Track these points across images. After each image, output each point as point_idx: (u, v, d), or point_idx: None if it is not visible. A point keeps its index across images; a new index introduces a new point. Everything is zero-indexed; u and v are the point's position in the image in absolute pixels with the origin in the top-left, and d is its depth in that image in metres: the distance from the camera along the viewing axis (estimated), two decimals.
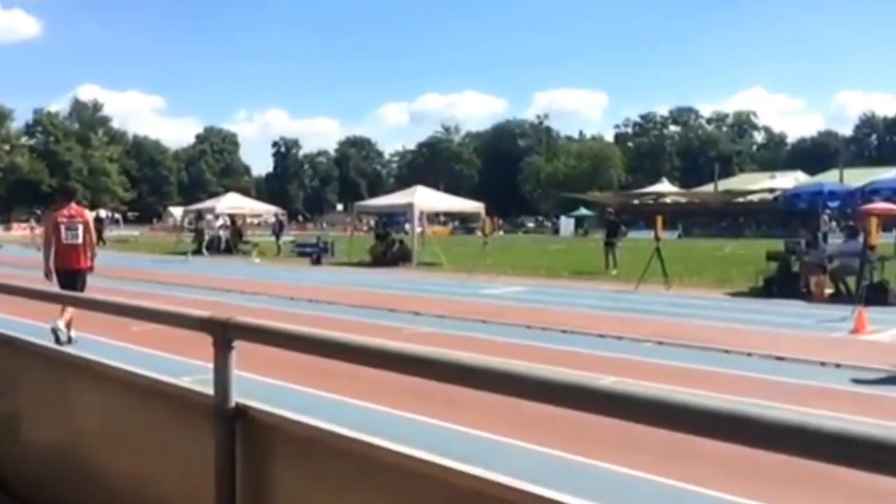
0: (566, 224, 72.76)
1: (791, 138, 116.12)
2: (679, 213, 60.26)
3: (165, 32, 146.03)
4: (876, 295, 13.44)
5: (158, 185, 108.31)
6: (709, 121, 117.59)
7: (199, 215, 35.06)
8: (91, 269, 9.99)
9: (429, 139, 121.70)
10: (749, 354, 9.19)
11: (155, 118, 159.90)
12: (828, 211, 31.13)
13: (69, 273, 9.61)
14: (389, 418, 6.15)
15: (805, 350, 9.37)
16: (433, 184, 43.48)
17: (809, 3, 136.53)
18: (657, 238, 18.08)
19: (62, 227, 9.71)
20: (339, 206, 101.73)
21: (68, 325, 9.26)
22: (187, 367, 6.26)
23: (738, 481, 4.57)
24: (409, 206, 28.04)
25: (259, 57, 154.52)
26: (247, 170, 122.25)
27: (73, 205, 9.99)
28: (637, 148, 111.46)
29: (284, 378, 7.00)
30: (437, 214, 49.34)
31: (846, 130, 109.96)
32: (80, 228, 9.78)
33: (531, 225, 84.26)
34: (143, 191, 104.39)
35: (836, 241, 18.96)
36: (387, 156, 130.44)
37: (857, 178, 45.60)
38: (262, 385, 6.04)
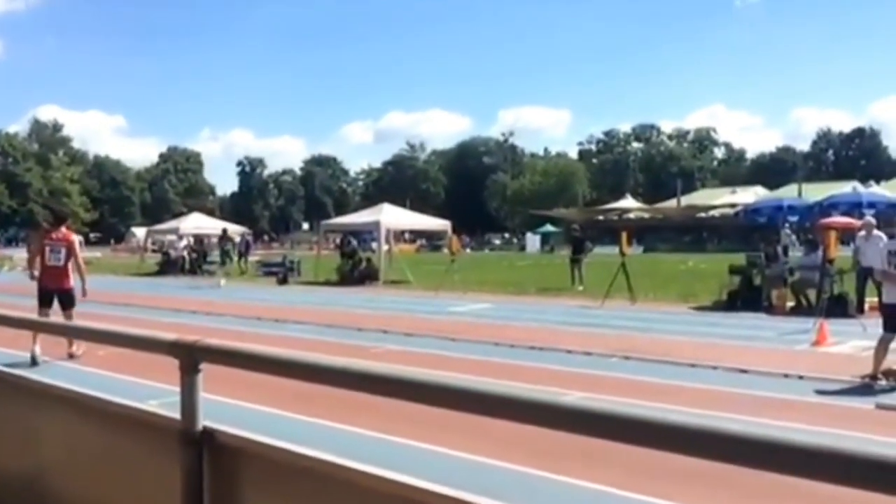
0: (532, 241, 73.12)
1: (750, 154, 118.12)
2: (643, 229, 60.89)
3: (126, 52, 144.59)
4: (836, 307, 13.70)
5: (121, 205, 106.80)
6: (670, 137, 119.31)
7: (224, 235, 32.31)
8: (84, 293, 10.36)
9: (394, 157, 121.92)
10: (714, 368, 9.30)
11: (116, 138, 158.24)
12: (787, 225, 31.72)
13: (52, 292, 10.11)
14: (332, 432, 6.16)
15: (768, 362, 9.51)
16: (399, 202, 43.44)
17: (766, 22, 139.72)
18: (622, 253, 18.26)
19: (47, 249, 10.21)
20: (305, 225, 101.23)
21: (35, 344, 9.52)
22: (153, 391, 6.17)
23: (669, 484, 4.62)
24: (376, 224, 28.00)
25: (223, 76, 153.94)
26: (211, 189, 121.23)
27: (63, 229, 10.45)
28: (601, 164, 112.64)
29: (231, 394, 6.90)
30: (403, 232, 49.38)
31: (804, 146, 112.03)
32: (63, 251, 10.20)
33: (498, 242, 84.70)
34: (104, 211, 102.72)
35: (796, 254, 19.29)
36: (352, 174, 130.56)
37: (815, 192, 46.53)
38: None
